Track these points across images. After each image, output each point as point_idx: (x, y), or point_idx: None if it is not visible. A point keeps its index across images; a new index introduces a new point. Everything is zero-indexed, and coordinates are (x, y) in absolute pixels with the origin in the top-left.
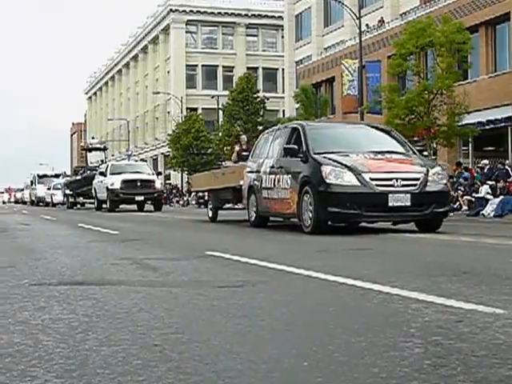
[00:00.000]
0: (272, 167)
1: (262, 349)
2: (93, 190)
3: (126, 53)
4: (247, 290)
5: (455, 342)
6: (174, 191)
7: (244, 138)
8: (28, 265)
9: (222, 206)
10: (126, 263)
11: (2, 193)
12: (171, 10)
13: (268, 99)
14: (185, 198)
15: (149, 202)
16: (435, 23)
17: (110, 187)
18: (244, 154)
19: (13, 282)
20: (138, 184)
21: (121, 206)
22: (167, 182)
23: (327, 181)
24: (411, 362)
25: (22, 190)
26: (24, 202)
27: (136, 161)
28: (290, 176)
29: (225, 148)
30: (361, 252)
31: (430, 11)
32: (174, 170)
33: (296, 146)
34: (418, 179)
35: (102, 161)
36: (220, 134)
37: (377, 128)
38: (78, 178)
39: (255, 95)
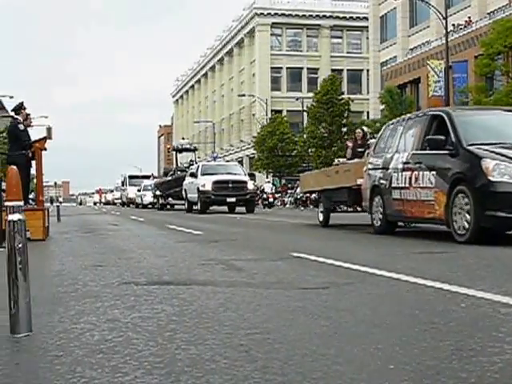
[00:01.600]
0: (406, 163)
1: (347, 350)
2: (183, 192)
3: (211, 56)
4: (332, 291)
5: None
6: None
7: (360, 131)
8: (118, 264)
9: (334, 209)
10: (212, 264)
11: (93, 193)
12: (256, 13)
13: (352, 101)
14: (285, 199)
15: (240, 204)
16: None
17: (201, 188)
18: (359, 150)
19: (103, 281)
20: (230, 185)
21: (211, 208)
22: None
23: (491, 178)
24: (501, 368)
25: (112, 191)
26: (114, 204)
27: (227, 161)
28: (433, 173)
29: (309, 150)
30: (446, 255)
31: None
32: (259, 172)
33: (442, 137)
34: None
35: (192, 161)
36: (305, 135)
37: None
38: (168, 179)
39: (340, 97)
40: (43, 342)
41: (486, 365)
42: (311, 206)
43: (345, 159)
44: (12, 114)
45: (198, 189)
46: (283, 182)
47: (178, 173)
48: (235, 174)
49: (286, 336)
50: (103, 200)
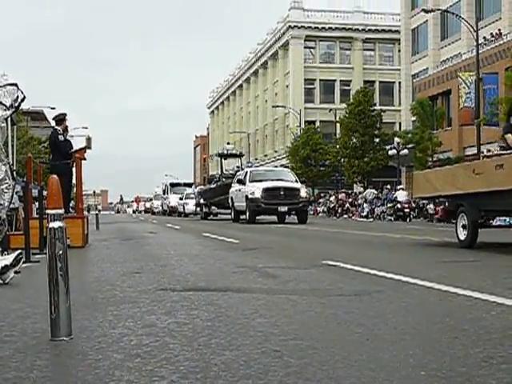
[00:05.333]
0: None
1: (379, 357)
2: (229, 200)
3: (246, 68)
4: (364, 299)
5: None
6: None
7: None
8: (155, 271)
9: (486, 222)
10: (247, 271)
11: (133, 202)
12: (290, 26)
13: (384, 112)
14: (318, 208)
15: (292, 213)
16: None
17: (249, 196)
18: None
19: (141, 287)
20: (282, 193)
21: (258, 218)
22: None
23: None
24: None
25: (151, 199)
26: (154, 212)
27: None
28: None
29: (342, 160)
30: (478, 264)
31: None
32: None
33: None
34: None
35: (238, 168)
36: (337, 146)
37: None
38: (213, 186)
39: (372, 108)
40: (82, 346)
41: None
42: (345, 216)
43: (496, 150)
44: (53, 123)
45: (246, 196)
46: (316, 191)
47: (223, 180)
48: (287, 180)
49: (319, 342)
50: (142, 208)
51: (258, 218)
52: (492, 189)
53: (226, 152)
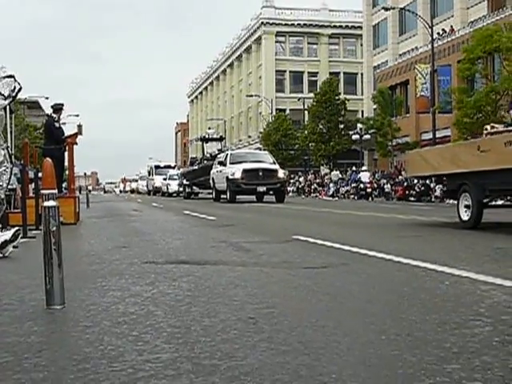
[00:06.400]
0: None
1: (344, 323)
2: (210, 181)
3: (223, 61)
4: (331, 271)
5: None
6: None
7: None
8: (140, 245)
9: (491, 201)
10: (223, 245)
11: (119, 183)
12: (262, 22)
13: (348, 100)
14: (288, 188)
15: (270, 193)
16: (502, 30)
17: (230, 177)
18: None
19: (127, 260)
20: (260, 174)
21: (238, 197)
22: None
23: None
24: (481, 339)
25: (137, 180)
26: (139, 192)
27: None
28: None
29: (310, 144)
30: (434, 238)
31: (498, 19)
32: None
33: None
34: None
35: (219, 150)
36: (306, 131)
37: None
38: (195, 167)
39: (337, 97)
40: (75, 313)
41: (468, 336)
42: (313, 195)
43: (500, 126)
44: (50, 110)
45: (226, 177)
46: (286, 173)
47: (205, 162)
48: (265, 162)
49: (289, 310)
50: (128, 188)
51: (237, 197)
52: (501, 166)
53: (207, 136)
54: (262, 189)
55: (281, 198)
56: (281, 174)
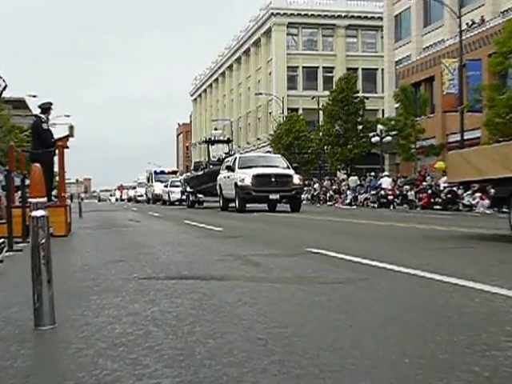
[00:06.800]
0: None
1: (362, 344)
2: (217, 187)
3: (229, 56)
4: (348, 286)
5: None
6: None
7: None
8: (138, 259)
9: None
10: (230, 259)
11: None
12: (272, 13)
13: (367, 99)
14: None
15: (284, 201)
16: None
17: (239, 183)
18: None
19: (124, 276)
20: (273, 179)
21: (248, 206)
22: None
23: None
24: None
25: (135, 187)
26: (137, 201)
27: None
28: None
29: (325, 147)
30: (462, 250)
31: None
32: None
33: None
34: None
35: (227, 154)
36: (320, 133)
37: None
38: (200, 173)
39: (355, 95)
40: (66, 334)
41: (500, 359)
42: (329, 203)
43: None
44: (38, 110)
45: (235, 184)
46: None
47: (211, 166)
48: (278, 166)
49: (302, 330)
50: (125, 196)
51: (247, 206)
52: None
53: (213, 138)
54: (274, 196)
55: (296, 207)
56: (296, 179)
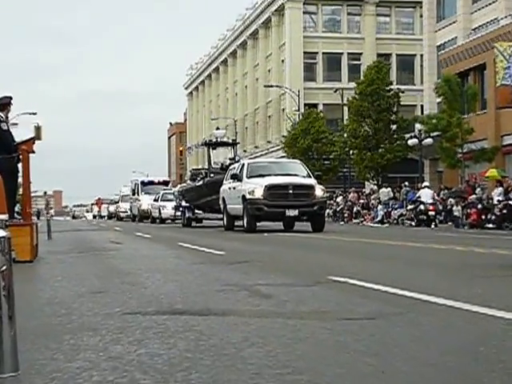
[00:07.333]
0: None
1: None
2: (220, 201)
3: (232, 39)
4: (380, 323)
5: None
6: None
7: None
8: (121, 290)
9: None
10: (234, 289)
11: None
12: None
13: (403, 92)
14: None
15: (304, 218)
16: None
17: (248, 196)
18: None
19: (104, 311)
20: (290, 191)
21: (259, 224)
22: None
23: None
24: None
25: (117, 202)
26: (120, 218)
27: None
28: None
29: (351, 152)
30: None
31: None
32: None
33: None
34: None
35: (232, 160)
36: (345, 135)
37: None
38: (199, 184)
39: (387, 88)
40: (32, 383)
41: None
42: (356, 220)
43: None
44: None
45: (243, 197)
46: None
47: (212, 175)
48: (296, 175)
49: (323, 377)
50: (105, 213)
51: (258, 224)
52: None
53: (215, 140)
54: (292, 213)
55: (319, 226)
56: (319, 191)
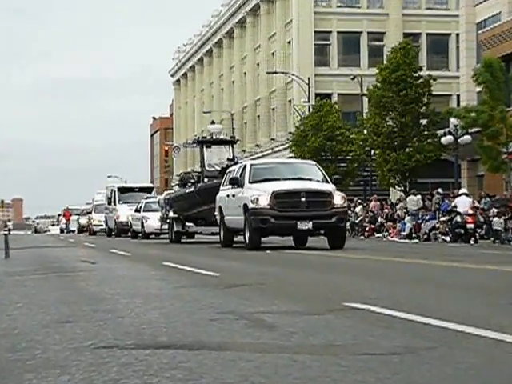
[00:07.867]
0: None
1: None
2: (216, 212)
3: (228, 17)
4: (407, 359)
5: None
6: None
7: None
8: (94, 319)
9: None
10: (231, 318)
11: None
12: None
13: (435, 80)
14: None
15: (320, 232)
16: None
17: (250, 205)
18: None
19: (73, 344)
20: (303, 199)
21: (263, 240)
22: None
23: None
24: None
25: (89, 212)
26: (93, 232)
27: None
28: None
29: (372, 151)
30: None
31: None
32: None
33: None
34: None
35: (230, 161)
36: (365, 131)
37: None
38: (190, 190)
39: (416, 74)
40: None
41: None
42: (378, 234)
43: None
44: None
45: (244, 206)
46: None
47: (206, 180)
48: (310, 179)
49: None
50: (74, 227)
51: (263, 240)
52: None
53: (210, 136)
54: (305, 225)
55: (339, 242)
56: (338, 199)
